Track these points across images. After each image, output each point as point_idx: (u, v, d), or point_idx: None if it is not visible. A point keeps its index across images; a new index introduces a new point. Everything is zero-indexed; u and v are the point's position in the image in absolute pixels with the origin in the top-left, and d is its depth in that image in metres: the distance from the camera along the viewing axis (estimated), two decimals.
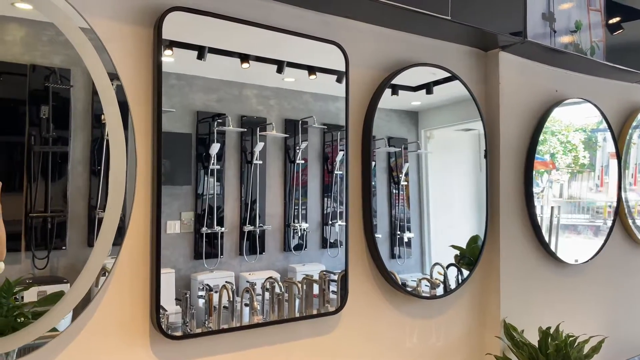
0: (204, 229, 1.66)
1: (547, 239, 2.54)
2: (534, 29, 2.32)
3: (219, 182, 1.70)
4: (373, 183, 2.05)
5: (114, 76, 1.48)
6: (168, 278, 1.59)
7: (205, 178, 1.67)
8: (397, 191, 2.12)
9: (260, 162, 1.79)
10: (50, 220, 1.39)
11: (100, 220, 1.45)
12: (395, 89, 2.08)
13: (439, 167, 2.25)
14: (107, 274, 1.48)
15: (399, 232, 2.12)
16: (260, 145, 1.78)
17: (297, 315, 1.81)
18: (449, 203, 2.30)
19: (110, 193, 1.46)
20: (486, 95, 2.46)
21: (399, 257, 2.11)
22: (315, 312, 1.86)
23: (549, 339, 2.23)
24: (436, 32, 2.23)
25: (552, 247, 2.56)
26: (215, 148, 1.68)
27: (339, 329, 1.98)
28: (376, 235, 2.03)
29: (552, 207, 2.60)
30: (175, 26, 1.57)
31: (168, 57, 1.56)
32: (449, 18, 2.02)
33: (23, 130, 1.36)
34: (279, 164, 1.84)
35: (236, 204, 1.74)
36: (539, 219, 2.50)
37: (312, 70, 1.83)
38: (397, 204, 2.12)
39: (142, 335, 1.58)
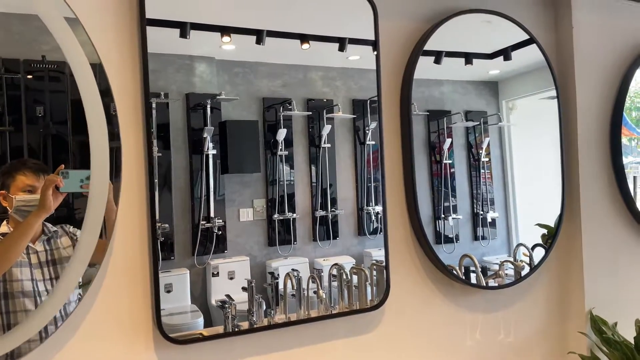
0: (276, 216, 1.66)
1: None
2: None
3: (288, 168, 1.68)
4: (448, 164, 1.93)
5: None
6: (243, 265, 1.60)
7: (275, 164, 1.66)
8: (477, 168, 1.99)
9: (329, 145, 1.74)
10: None
11: None
12: (469, 58, 1.94)
13: (523, 140, 2.09)
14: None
15: (482, 212, 1.99)
16: (327, 128, 1.74)
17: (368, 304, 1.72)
18: (537, 178, 2.11)
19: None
20: (557, 45, 2.10)
21: (483, 238, 1.99)
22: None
23: None
24: None
25: None
26: (282, 134, 1.67)
27: (382, 325, 1.78)
28: (454, 217, 1.92)
29: None
30: (231, 11, 1.55)
31: (228, 45, 1.56)
32: None
33: None
34: (348, 147, 1.79)
35: (307, 189, 1.72)
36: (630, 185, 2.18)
37: (375, 45, 1.74)
38: (478, 182, 1.99)
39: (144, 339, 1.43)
